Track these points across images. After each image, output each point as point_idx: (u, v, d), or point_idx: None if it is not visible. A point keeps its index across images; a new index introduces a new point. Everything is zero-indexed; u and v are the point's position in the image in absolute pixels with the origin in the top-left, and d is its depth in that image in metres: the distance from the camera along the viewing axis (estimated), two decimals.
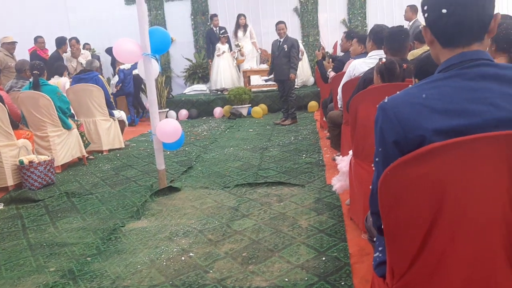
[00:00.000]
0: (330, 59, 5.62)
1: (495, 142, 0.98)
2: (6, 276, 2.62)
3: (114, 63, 9.09)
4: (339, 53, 6.47)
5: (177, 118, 8.58)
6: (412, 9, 7.28)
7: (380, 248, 1.34)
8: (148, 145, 6.25)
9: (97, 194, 4.16)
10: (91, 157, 5.69)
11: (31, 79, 5.16)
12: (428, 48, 1.48)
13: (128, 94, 8.45)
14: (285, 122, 7.13)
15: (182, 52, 10.19)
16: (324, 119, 5.59)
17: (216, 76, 9.16)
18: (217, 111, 8.71)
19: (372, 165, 1.21)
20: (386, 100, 1.14)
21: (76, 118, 5.72)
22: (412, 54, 3.67)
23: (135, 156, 5.75)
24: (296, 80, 7.52)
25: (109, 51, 8.86)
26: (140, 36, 3.80)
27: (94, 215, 3.59)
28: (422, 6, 1.17)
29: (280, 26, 6.90)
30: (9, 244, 3.11)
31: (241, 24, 9.16)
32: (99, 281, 2.45)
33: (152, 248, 2.82)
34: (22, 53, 7.79)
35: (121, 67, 8.29)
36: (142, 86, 8.31)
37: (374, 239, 1.51)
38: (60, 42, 8.14)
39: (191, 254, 2.70)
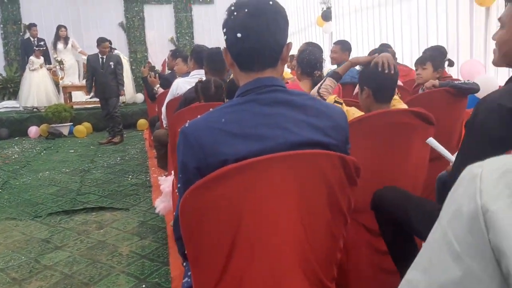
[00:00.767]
0: (156, 75, 5.55)
1: (284, 162, 1.02)
2: None
3: None
4: (168, 71, 6.46)
5: None
6: None
7: (189, 273, 1.30)
8: None
9: None
10: None
11: None
12: None
13: None
14: (113, 140, 6.78)
15: None
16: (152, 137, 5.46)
17: (28, 93, 8.17)
18: (33, 130, 7.76)
19: (176, 190, 1.16)
20: (187, 125, 1.10)
21: None
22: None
23: None
24: (124, 97, 7.28)
25: None
26: None
27: None
28: (222, 29, 1.18)
29: (105, 44, 6.61)
30: None
31: (61, 36, 8.46)
32: None
33: None
34: None
35: None
36: None
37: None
38: None
39: None
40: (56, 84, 8.57)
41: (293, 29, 9.12)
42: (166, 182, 2.98)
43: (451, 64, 3.38)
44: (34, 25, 8.57)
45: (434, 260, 0.53)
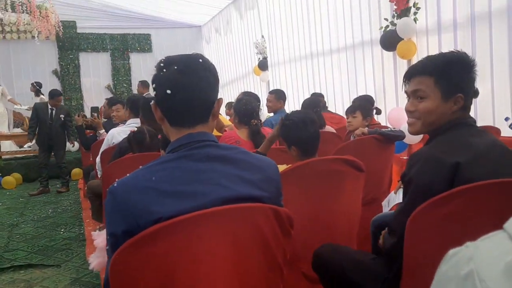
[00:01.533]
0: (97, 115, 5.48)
1: (217, 217, 1.02)
2: None
3: None
4: (104, 119, 6.32)
5: None
6: (144, 84, 8.19)
7: None
8: None
9: None
10: None
11: None
12: None
13: None
14: (62, 190, 6.63)
15: None
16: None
17: None
18: None
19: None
20: (115, 184, 1.05)
21: None
22: None
23: None
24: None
25: None
26: None
27: None
28: (152, 83, 1.18)
29: (59, 98, 6.54)
30: None
31: None
32: None
33: None
34: None
35: None
36: None
37: None
38: None
39: None
40: None
41: (232, 77, 9.34)
42: (100, 237, 2.83)
43: (378, 112, 3.61)
44: None
45: None
